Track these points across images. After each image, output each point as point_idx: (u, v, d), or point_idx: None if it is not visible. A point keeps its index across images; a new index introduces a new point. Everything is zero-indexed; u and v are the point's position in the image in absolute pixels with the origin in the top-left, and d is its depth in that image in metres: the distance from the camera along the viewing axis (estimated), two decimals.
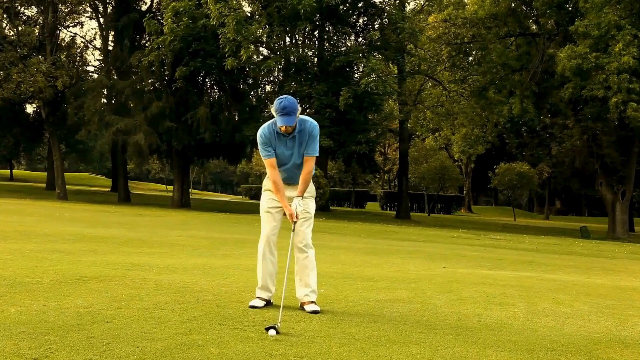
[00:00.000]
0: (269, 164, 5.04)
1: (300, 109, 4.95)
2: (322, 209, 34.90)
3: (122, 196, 38.94)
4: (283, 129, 4.91)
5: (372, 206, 64.64)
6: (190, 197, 42.87)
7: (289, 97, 4.96)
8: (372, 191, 72.21)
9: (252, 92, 38.37)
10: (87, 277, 6.22)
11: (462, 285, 7.45)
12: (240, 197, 76.90)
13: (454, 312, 5.46)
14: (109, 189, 54.09)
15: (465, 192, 68.23)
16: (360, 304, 5.61)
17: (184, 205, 36.01)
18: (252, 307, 5.01)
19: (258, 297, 5.14)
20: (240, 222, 22.66)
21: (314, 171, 5.22)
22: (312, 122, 5.08)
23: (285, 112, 4.84)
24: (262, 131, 5.05)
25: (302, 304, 5.05)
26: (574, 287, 8.08)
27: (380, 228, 26.11)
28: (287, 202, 5.00)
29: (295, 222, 4.97)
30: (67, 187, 40.41)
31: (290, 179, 5.14)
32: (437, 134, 51.02)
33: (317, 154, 5.09)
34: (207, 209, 34.43)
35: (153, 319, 4.40)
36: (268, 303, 5.14)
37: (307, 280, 5.09)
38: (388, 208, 62.18)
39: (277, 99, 4.93)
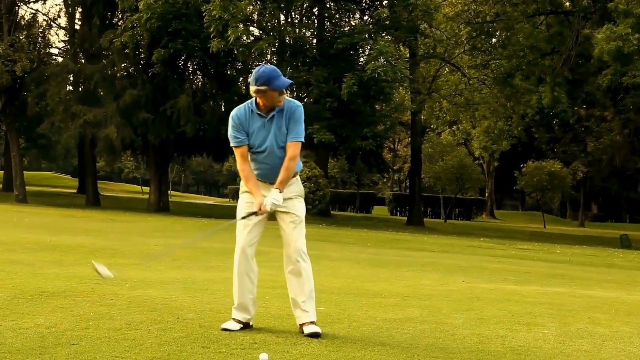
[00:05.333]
0: (238, 152, 5.06)
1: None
2: (323, 214, 34.90)
3: (91, 199, 38.92)
4: (282, 97, 4.93)
5: (380, 211, 64.66)
6: (169, 199, 42.85)
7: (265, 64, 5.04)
8: (380, 193, 72.21)
9: (241, 79, 38.33)
10: (49, 292, 6.23)
11: (484, 303, 7.46)
12: (227, 200, 76.89)
13: (474, 334, 5.46)
14: (75, 191, 54.07)
15: (487, 194, 68.26)
16: (365, 324, 5.61)
17: (161, 209, 35.99)
18: (225, 329, 4.92)
19: (234, 319, 5.05)
20: (227, 229, 22.63)
21: (300, 165, 5.19)
22: (295, 102, 5.10)
23: (277, 73, 4.89)
24: (236, 112, 5.06)
25: (301, 325, 5.02)
26: (613, 304, 8.08)
27: (389, 236, 26.12)
28: (258, 192, 4.98)
29: (256, 214, 4.92)
30: (27, 188, 40.40)
31: (269, 175, 5.06)
32: (454, 128, 51.10)
33: (302, 139, 5.07)
34: (189, 214, 34.43)
35: (126, 341, 4.39)
36: (246, 326, 5.04)
37: (304, 299, 5.03)
38: (398, 213, 62.20)
39: (257, 72, 4.90)
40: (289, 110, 5.04)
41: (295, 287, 5.08)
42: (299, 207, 5.13)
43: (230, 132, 5.08)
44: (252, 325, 5.11)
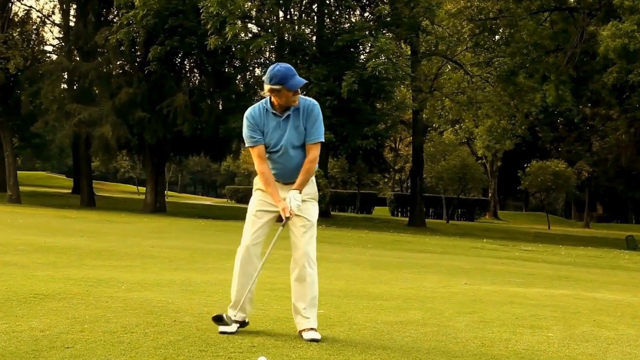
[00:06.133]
0: (255, 153, 5.04)
1: None
2: (322, 215, 34.90)
3: (86, 199, 38.93)
4: (296, 97, 4.92)
5: (381, 211, 64.68)
6: (166, 200, 42.85)
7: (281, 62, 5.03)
8: (381, 194, 72.21)
9: (239, 77, 38.37)
10: (43, 294, 6.23)
11: (487, 305, 7.46)
12: (225, 200, 76.94)
13: (477, 337, 5.47)
14: (69, 191, 54.07)
15: (490, 195, 68.27)
16: (366, 326, 5.61)
17: (158, 209, 35.99)
18: (223, 333, 4.90)
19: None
20: (225, 230, 22.66)
21: (316, 166, 5.20)
22: (311, 101, 5.09)
23: (293, 72, 4.89)
24: (250, 112, 5.06)
25: (301, 331, 5.02)
26: (618, 307, 8.09)
27: (390, 237, 26.13)
28: (279, 196, 4.98)
29: (288, 218, 4.91)
30: (21, 188, 40.41)
31: (285, 175, 5.07)
32: (457, 127, 51.06)
33: (322, 139, 5.08)
34: (186, 215, 34.44)
35: (122, 344, 4.40)
36: (242, 325, 5.05)
37: (305, 306, 5.02)
38: (399, 214, 62.21)
39: (269, 70, 4.91)
40: (305, 109, 5.03)
41: (298, 293, 5.07)
42: (312, 211, 5.12)
43: (245, 132, 5.05)
44: (248, 322, 5.11)
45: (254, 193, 5.21)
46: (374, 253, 16.90)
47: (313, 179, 5.19)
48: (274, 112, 5.01)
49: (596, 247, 29.02)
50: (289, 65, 4.94)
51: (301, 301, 5.04)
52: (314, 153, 5.04)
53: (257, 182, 5.17)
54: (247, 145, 5.09)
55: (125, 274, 8.62)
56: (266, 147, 5.05)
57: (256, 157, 5.05)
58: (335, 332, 5.27)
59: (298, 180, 5.00)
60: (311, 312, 5.02)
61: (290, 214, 4.90)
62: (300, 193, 4.98)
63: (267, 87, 4.92)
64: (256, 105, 5.10)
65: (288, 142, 5.01)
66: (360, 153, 37.22)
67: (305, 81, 4.95)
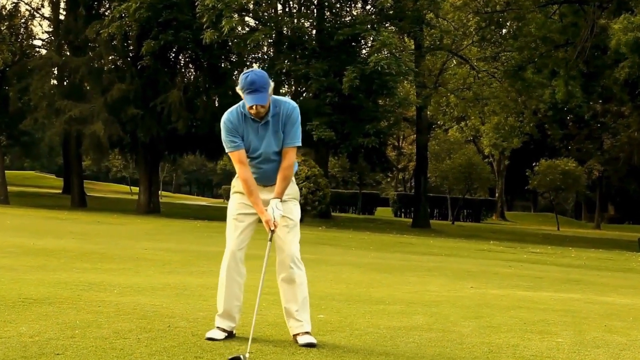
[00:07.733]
0: (236, 158, 5.01)
1: (272, 84, 4.92)
2: (323, 216, 34.91)
3: (76, 199, 38.95)
4: (253, 110, 4.89)
5: (383, 212, 64.68)
6: (160, 200, 42.86)
7: (258, 70, 4.92)
8: (383, 194, 72.25)
9: (235, 72, 38.35)
10: (33, 299, 6.22)
11: (494, 310, 7.47)
12: (221, 200, 76.94)
13: (484, 343, 5.47)
14: (60, 191, 54.12)
15: (497, 195, 68.29)
16: (368, 332, 5.62)
17: (152, 210, 36.00)
18: (210, 339, 4.90)
19: (217, 327, 5.03)
20: (221, 232, 22.63)
21: (295, 166, 5.19)
22: (290, 104, 5.07)
23: (254, 87, 4.82)
24: (228, 116, 5.03)
25: (295, 336, 5.02)
26: (630, 311, 8.09)
27: (393, 239, 26.14)
28: (262, 207, 4.96)
29: (272, 231, 4.90)
30: (9, 188, 40.40)
31: (265, 179, 5.07)
32: (462, 124, 51.08)
33: (299, 144, 5.07)
34: (181, 216, 34.45)
35: (114, 351, 4.40)
36: (230, 335, 5.03)
37: (297, 308, 5.02)
38: (403, 214, 62.24)
39: (242, 74, 4.91)
40: (285, 112, 5.01)
41: (288, 295, 5.07)
42: (294, 210, 5.12)
43: (224, 137, 5.02)
44: (235, 334, 5.10)
45: (232, 195, 5.20)
46: (377, 255, 16.90)
47: (293, 178, 5.18)
48: (252, 117, 4.98)
49: (607, 249, 29.02)
50: (258, 78, 4.81)
51: (293, 303, 5.04)
52: (291, 157, 5.03)
53: (236, 184, 5.16)
54: (227, 150, 5.06)
55: (118, 277, 8.62)
56: (245, 152, 5.04)
57: (237, 162, 5.01)
58: (336, 337, 5.27)
59: (277, 189, 4.98)
60: (304, 315, 5.03)
61: (275, 226, 4.89)
62: (281, 201, 4.97)
63: (237, 87, 4.94)
64: (233, 109, 5.06)
65: (268, 149, 5.00)
66: (361, 151, 37.24)
67: (254, 102, 4.81)
